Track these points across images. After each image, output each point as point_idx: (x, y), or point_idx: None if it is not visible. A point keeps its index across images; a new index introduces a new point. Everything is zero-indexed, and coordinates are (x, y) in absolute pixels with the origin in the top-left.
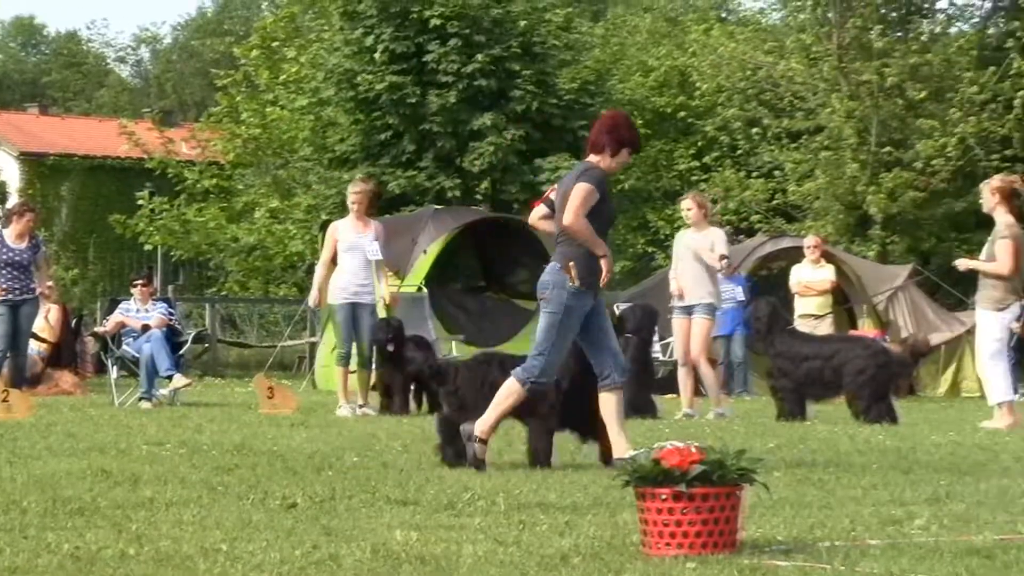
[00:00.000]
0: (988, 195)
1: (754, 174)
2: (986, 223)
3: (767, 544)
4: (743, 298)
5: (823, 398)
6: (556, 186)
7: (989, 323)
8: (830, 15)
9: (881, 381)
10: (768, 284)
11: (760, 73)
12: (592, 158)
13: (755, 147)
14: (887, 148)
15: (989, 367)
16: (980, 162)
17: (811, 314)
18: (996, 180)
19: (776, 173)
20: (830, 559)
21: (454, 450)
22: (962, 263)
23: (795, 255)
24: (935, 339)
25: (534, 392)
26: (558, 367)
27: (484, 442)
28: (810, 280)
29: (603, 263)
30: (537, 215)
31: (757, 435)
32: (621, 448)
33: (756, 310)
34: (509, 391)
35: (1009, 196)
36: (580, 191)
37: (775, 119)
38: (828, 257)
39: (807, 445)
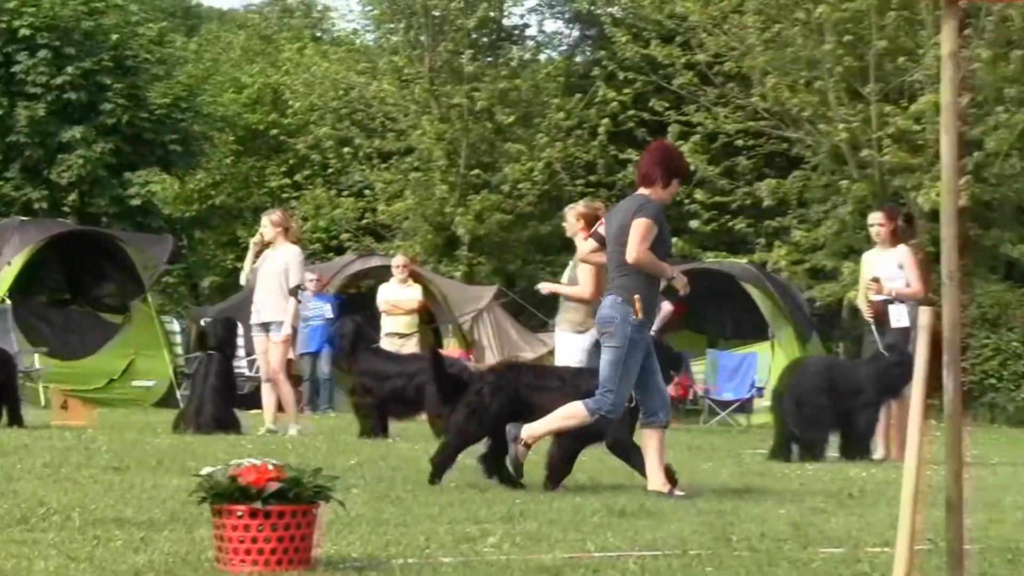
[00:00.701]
0: (572, 219)
1: (345, 193)
2: (569, 246)
3: (342, 561)
4: (332, 315)
5: (405, 416)
6: (603, 219)
7: (569, 345)
8: (422, 38)
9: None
10: (357, 302)
11: (352, 93)
12: (643, 191)
13: (346, 166)
14: (476, 171)
15: None
16: (565, 186)
17: (398, 333)
18: (581, 205)
19: (367, 192)
20: None
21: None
22: (545, 287)
23: (383, 274)
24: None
25: (600, 423)
26: (626, 400)
27: (528, 447)
28: (398, 299)
29: (676, 283)
30: (588, 248)
31: (339, 452)
32: (657, 483)
33: (341, 328)
34: (573, 413)
35: (592, 222)
36: (641, 226)
37: (367, 139)
38: (416, 277)
39: (388, 462)
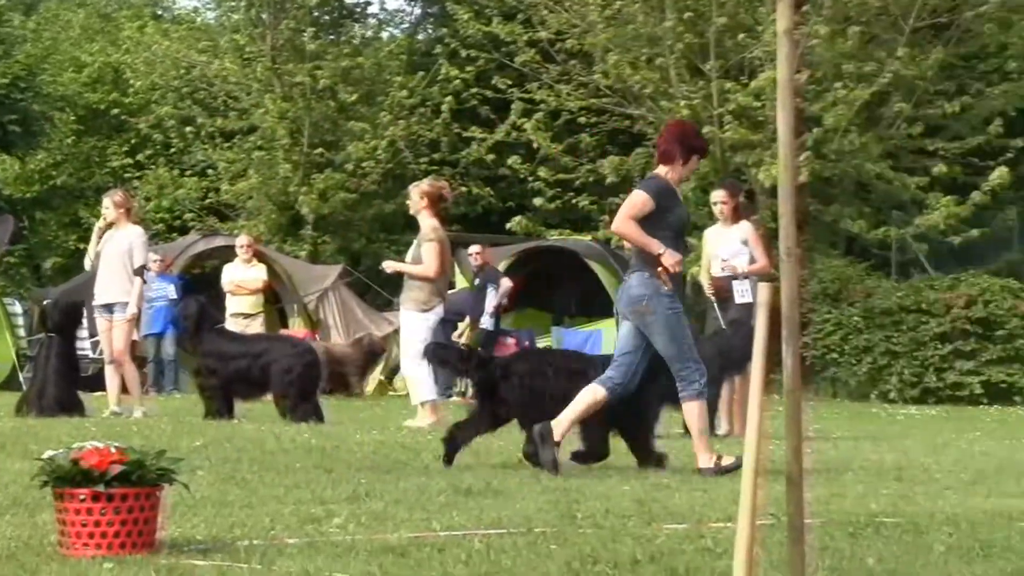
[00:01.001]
0: (416, 198)
1: (188, 172)
2: (414, 225)
3: (187, 544)
4: (175, 296)
5: (251, 397)
6: None
7: (414, 324)
8: (264, 16)
9: (307, 380)
10: (201, 282)
11: (194, 72)
12: (661, 168)
13: (189, 145)
14: (319, 149)
15: (413, 367)
16: (409, 165)
17: (243, 313)
18: (425, 184)
19: (210, 172)
20: (248, 558)
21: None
22: (389, 265)
23: (228, 254)
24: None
25: (705, 396)
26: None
27: (718, 457)
28: (242, 279)
29: (663, 259)
30: None
31: (184, 434)
32: (562, 427)
33: (185, 308)
34: (696, 410)
35: (436, 200)
36: (631, 198)
37: (209, 118)
38: (260, 256)
39: (233, 444)
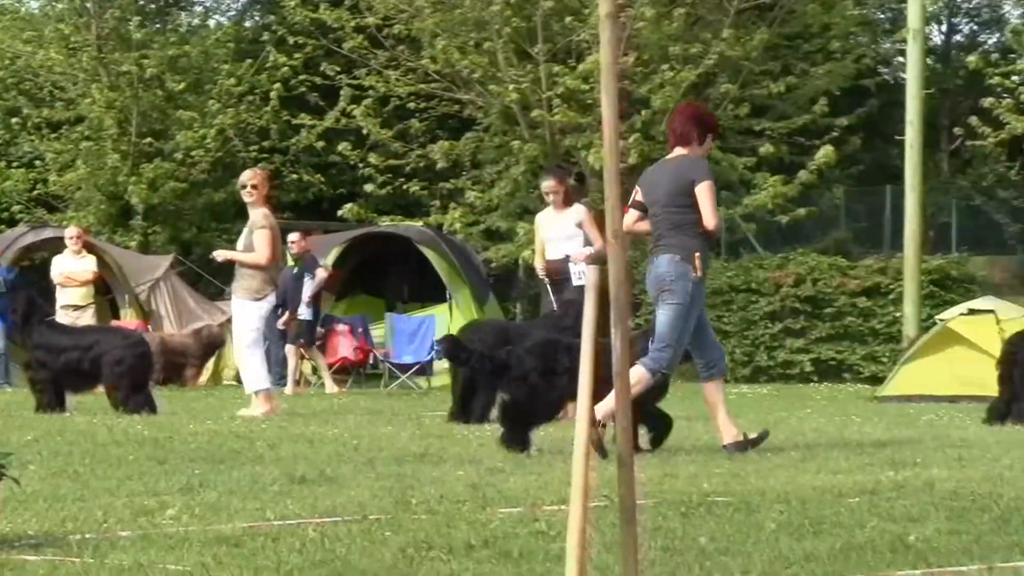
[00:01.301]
0: (261, 184)
1: (15, 164)
2: (244, 213)
3: (18, 539)
4: (3, 289)
5: (82, 389)
6: (638, 187)
7: (247, 312)
8: (88, 5)
9: (139, 371)
10: (30, 274)
11: (19, 62)
12: (680, 150)
13: (15, 137)
14: (148, 139)
15: (246, 355)
16: (239, 153)
17: (73, 304)
18: (260, 171)
19: (37, 163)
20: (81, 552)
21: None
22: (220, 254)
23: (57, 245)
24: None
25: (660, 381)
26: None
27: (603, 427)
28: (72, 270)
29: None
30: (632, 219)
31: (15, 428)
32: (731, 433)
33: (13, 301)
34: (637, 379)
35: (268, 188)
36: (711, 191)
37: (35, 109)
38: (90, 247)
39: (65, 437)
